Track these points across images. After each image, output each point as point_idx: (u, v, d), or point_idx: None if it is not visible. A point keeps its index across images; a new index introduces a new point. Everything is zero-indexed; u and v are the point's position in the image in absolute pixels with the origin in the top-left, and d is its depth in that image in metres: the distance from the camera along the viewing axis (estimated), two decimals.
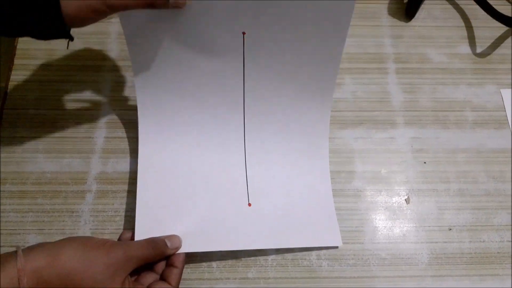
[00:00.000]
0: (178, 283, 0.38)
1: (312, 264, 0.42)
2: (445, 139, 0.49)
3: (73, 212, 0.44)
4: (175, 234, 0.40)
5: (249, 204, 0.43)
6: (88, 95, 0.49)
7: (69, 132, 0.47)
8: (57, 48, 0.51)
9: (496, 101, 0.51)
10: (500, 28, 0.54)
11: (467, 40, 0.54)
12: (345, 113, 0.49)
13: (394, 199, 0.46)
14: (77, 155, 0.46)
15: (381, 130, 0.49)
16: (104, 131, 0.47)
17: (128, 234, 0.40)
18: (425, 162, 0.47)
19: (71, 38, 0.36)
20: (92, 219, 0.43)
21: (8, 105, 0.48)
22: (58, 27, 0.34)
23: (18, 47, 0.51)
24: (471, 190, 0.46)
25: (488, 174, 0.47)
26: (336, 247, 0.43)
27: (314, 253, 0.43)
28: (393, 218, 0.45)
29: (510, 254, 0.44)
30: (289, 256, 0.43)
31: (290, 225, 0.42)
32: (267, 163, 0.45)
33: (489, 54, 0.53)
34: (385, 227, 0.44)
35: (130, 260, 0.35)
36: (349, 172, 0.47)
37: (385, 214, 0.45)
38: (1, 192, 0.44)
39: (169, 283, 0.37)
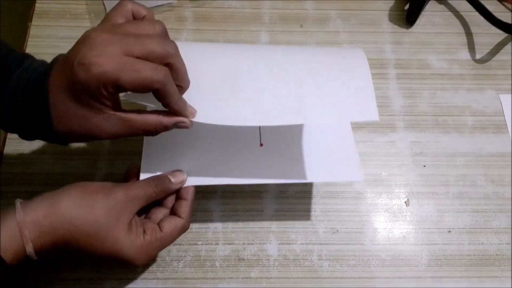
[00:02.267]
0: (189, 216, 0.37)
1: (313, 264, 0.43)
2: (445, 143, 0.49)
3: None
4: (181, 169, 0.38)
5: (261, 145, 0.41)
6: None
7: None
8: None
9: (495, 106, 0.51)
10: (499, 35, 0.55)
11: (466, 47, 0.55)
12: None
13: (394, 202, 0.47)
14: (84, 157, 0.47)
15: (382, 134, 0.50)
16: None
17: (134, 170, 0.39)
18: (424, 166, 0.48)
19: (63, 144, 0.35)
20: None
21: None
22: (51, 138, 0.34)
23: (26, 51, 0.52)
24: (470, 193, 0.47)
25: (487, 177, 0.48)
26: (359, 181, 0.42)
27: (315, 253, 0.44)
28: (393, 220, 0.46)
29: (508, 256, 0.44)
30: (290, 256, 0.44)
31: (307, 161, 0.41)
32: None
33: (488, 60, 0.54)
34: (385, 228, 0.45)
35: (132, 200, 0.34)
36: None
37: (385, 216, 0.46)
38: (8, 192, 0.45)
39: (179, 216, 0.36)
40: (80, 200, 0.32)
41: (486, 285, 0.43)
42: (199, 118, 0.35)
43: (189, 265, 0.43)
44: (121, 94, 0.32)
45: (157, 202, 0.37)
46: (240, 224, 0.45)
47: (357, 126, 0.50)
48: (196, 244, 0.44)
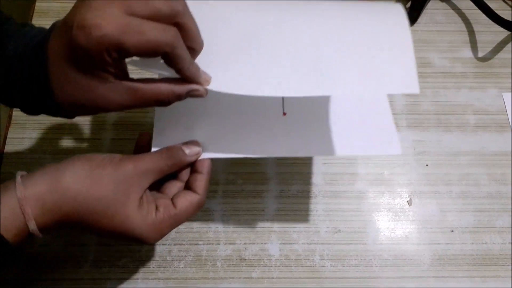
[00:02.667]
0: (205, 191, 0.34)
1: (315, 264, 0.43)
2: (447, 142, 0.49)
3: None
4: (196, 140, 0.35)
5: (284, 114, 0.38)
6: None
7: (76, 134, 0.48)
8: None
9: (498, 105, 0.51)
10: (501, 33, 0.54)
11: (469, 45, 0.54)
12: None
13: (396, 201, 0.46)
14: None
15: None
16: (111, 133, 0.48)
17: (145, 139, 0.36)
18: (427, 165, 0.48)
19: (68, 117, 0.32)
20: None
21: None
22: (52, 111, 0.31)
23: None
24: (473, 193, 0.47)
25: (490, 176, 0.48)
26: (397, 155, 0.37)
27: (317, 253, 0.43)
28: (395, 219, 0.45)
29: (511, 256, 0.44)
30: (292, 256, 0.43)
31: (336, 132, 0.37)
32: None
33: (491, 58, 0.54)
34: (387, 228, 0.45)
35: (143, 174, 0.31)
36: (352, 174, 0.47)
37: (388, 216, 0.46)
38: None
39: (194, 191, 0.33)
40: (85, 174, 0.29)
41: (489, 285, 0.43)
42: (215, 86, 0.31)
43: (190, 265, 0.43)
44: (127, 60, 0.30)
45: (172, 175, 0.34)
46: (241, 224, 0.44)
47: None
48: (197, 244, 0.43)
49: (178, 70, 0.30)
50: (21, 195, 0.28)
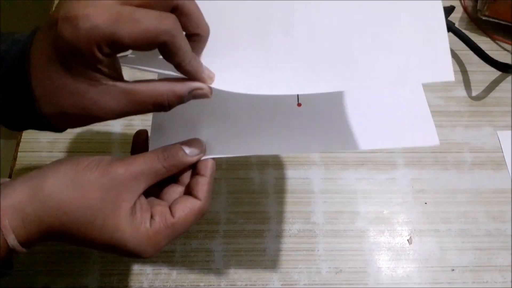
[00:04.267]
0: (208, 196, 0.29)
1: None
2: (445, 180, 0.50)
3: None
4: (198, 138, 0.31)
5: (299, 104, 0.33)
6: None
7: (86, 135, 0.49)
8: None
9: (493, 143, 0.52)
10: (493, 72, 0.56)
11: (462, 84, 0.56)
12: (347, 154, 0.51)
13: (396, 240, 0.47)
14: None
15: (383, 171, 0.50)
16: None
17: (143, 137, 0.31)
18: (426, 203, 0.48)
19: (57, 130, 0.28)
20: None
21: None
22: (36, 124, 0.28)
23: None
24: (473, 231, 0.47)
25: (488, 214, 0.48)
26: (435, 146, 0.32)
27: None
28: (396, 258, 0.45)
29: None
30: None
31: (358, 122, 0.32)
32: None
33: (484, 97, 0.55)
34: (388, 267, 0.45)
35: (136, 178, 0.27)
36: (352, 212, 0.48)
37: (388, 255, 0.46)
38: None
39: (195, 197, 0.29)
40: (70, 179, 0.26)
41: None
42: (220, 84, 0.27)
43: None
44: (120, 60, 0.26)
45: (173, 178, 0.30)
46: (242, 265, 0.44)
47: (357, 163, 0.50)
48: (198, 285, 0.43)
49: (178, 65, 0.26)
50: None
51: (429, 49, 0.27)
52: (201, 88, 0.27)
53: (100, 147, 0.50)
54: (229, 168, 0.49)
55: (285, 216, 0.47)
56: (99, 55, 0.24)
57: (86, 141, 0.50)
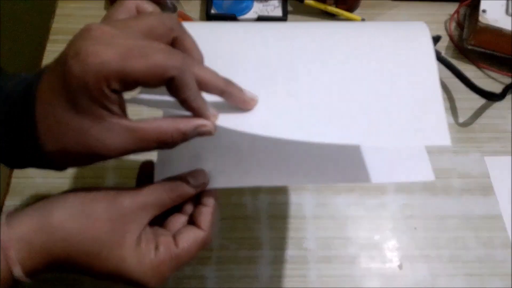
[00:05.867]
0: (211, 227, 0.30)
1: None
2: (434, 205, 0.51)
3: None
4: (202, 168, 0.31)
5: None
6: None
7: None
8: None
9: (481, 169, 0.53)
10: (479, 99, 0.57)
11: (449, 111, 0.58)
12: None
13: (387, 265, 0.47)
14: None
15: (373, 197, 0.51)
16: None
17: (148, 169, 0.32)
18: (415, 228, 0.49)
19: (58, 169, 0.29)
20: None
21: None
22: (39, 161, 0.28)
23: None
24: (463, 256, 0.48)
25: (478, 240, 0.49)
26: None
27: None
28: (387, 284, 0.46)
29: None
30: None
31: (367, 154, 0.33)
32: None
33: (471, 123, 0.57)
34: None
35: (142, 209, 0.28)
36: (344, 238, 0.48)
37: (380, 281, 0.46)
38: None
39: (199, 227, 0.29)
40: (78, 210, 0.27)
41: None
42: (224, 121, 0.28)
43: None
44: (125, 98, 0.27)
45: (176, 207, 0.31)
46: None
47: (348, 189, 0.51)
48: None
49: (183, 101, 0.27)
50: (4, 237, 0.25)
51: (428, 117, 0.29)
52: (205, 125, 0.28)
53: (95, 173, 0.50)
54: (222, 193, 0.49)
55: (278, 242, 0.47)
56: (107, 92, 0.24)
57: (80, 167, 0.50)
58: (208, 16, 0.61)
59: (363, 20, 0.64)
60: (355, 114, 0.29)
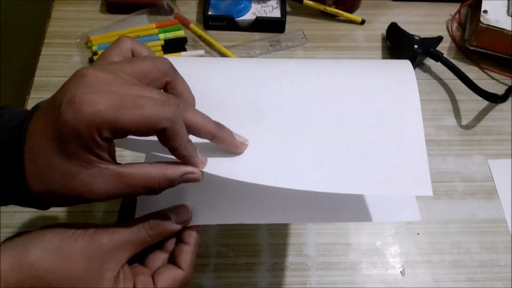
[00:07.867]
0: (192, 266, 0.29)
1: None
2: (437, 210, 0.50)
3: None
4: (185, 204, 0.31)
5: None
6: None
7: None
8: None
9: (484, 172, 0.52)
10: (482, 101, 0.56)
11: (452, 113, 0.57)
12: None
13: (389, 272, 0.46)
14: None
15: None
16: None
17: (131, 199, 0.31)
18: (418, 233, 0.48)
19: (41, 208, 0.28)
20: None
21: None
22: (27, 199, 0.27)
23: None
24: (466, 261, 0.47)
25: (481, 244, 0.48)
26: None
27: None
28: None
29: None
30: None
31: (349, 199, 0.33)
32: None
33: (474, 126, 0.56)
34: None
35: (120, 247, 0.27)
36: (345, 244, 0.47)
37: None
38: None
39: (179, 266, 0.29)
40: (55, 248, 0.26)
41: None
42: (211, 168, 0.28)
43: None
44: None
45: (157, 244, 0.30)
46: None
47: None
48: None
49: (173, 149, 0.27)
50: None
51: (411, 166, 0.30)
52: (193, 172, 0.28)
53: None
54: None
55: (277, 249, 0.47)
56: (98, 140, 0.25)
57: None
58: (205, 18, 0.61)
59: (363, 21, 0.63)
60: (341, 161, 0.30)
